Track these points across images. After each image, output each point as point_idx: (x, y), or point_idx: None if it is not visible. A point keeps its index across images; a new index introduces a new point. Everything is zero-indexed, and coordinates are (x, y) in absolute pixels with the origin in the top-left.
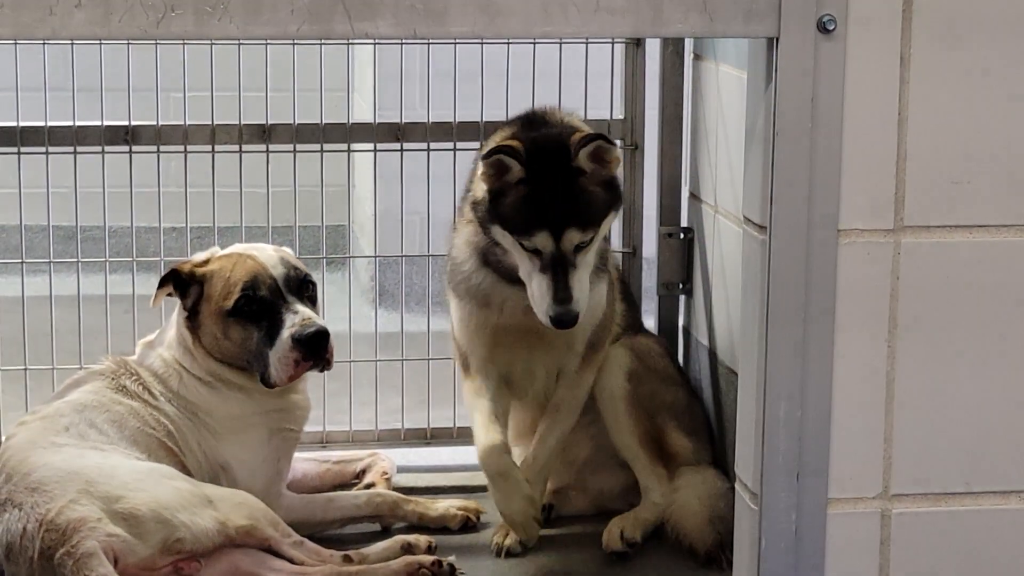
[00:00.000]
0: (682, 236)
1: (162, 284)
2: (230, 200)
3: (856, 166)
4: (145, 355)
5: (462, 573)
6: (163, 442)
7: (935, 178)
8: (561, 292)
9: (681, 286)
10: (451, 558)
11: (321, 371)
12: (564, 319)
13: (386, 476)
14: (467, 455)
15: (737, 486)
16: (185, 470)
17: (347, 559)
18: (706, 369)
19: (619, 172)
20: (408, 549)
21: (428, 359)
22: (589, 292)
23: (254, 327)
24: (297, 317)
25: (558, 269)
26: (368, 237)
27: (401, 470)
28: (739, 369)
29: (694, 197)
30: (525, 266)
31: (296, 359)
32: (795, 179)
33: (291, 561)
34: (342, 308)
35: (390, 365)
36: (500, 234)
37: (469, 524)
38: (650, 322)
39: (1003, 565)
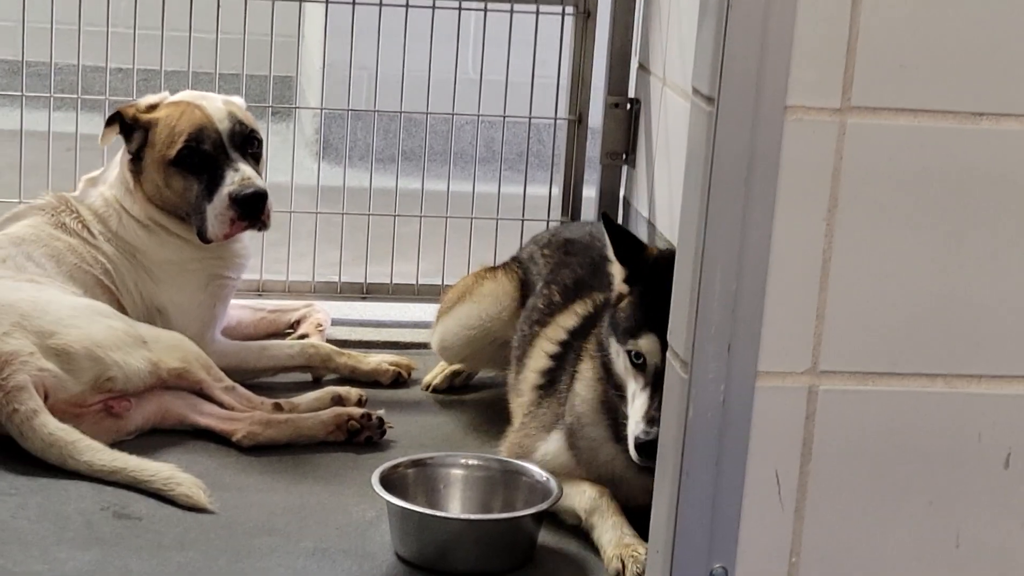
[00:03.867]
0: (628, 107)
1: (108, 124)
2: (179, 44)
3: (808, 42)
4: (87, 193)
5: (390, 427)
6: (100, 280)
7: (885, 59)
8: (655, 410)
9: (625, 156)
10: (380, 412)
11: (258, 231)
12: (650, 449)
13: (320, 328)
14: (402, 312)
15: (668, 354)
16: (121, 309)
17: (277, 407)
18: (645, 240)
19: None
20: (338, 401)
21: (368, 215)
22: None
23: (195, 179)
24: (237, 175)
25: (660, 385)
26: (315, 89)
27: (335, 323)
28: (677, 239)
29: (643, 68)
30: (631, 387)
31: (232, 218)
32: (746, 52)
33: (221, 405)
34: (285, 159)
35: (330, 218)
36: (614, 350)
37: (400, 379)
38: (591, 192)
39: (923, 446)
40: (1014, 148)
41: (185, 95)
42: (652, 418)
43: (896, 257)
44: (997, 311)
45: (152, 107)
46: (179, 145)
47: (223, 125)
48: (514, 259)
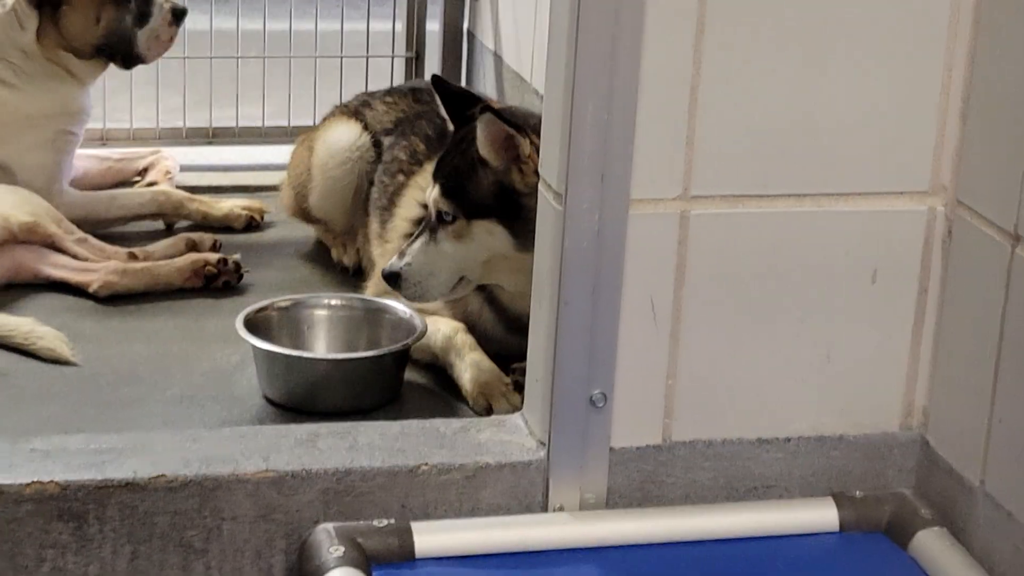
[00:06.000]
0: None
1: None
2: None
3: None
4: None
5: (247, 271)
6: None
7: None
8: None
9: None
10: (236, 256)
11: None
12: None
13: (169, 175)
14: (250, 155)
15: (541, 187)
16: None
17: (131, 256)
18: (491, 73)
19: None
20: (192, 247)
21: (210, 57)
22: None
23: (125, 8)
24: None
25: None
26: None
27: (184, 169)
28: (546, 70)
29: None
30: None
31: (172, 34)
32: None
33: (75, 257)
34: None
35: (171, 63)
36: None
37: (253, 223)
38: (434, 26)
39: (793, 263)
40: None
41: None
42: (403, 253)
43: (762, 80)
44: (862, 129)
45: None
46: None
47: None
48: (340, 107)
